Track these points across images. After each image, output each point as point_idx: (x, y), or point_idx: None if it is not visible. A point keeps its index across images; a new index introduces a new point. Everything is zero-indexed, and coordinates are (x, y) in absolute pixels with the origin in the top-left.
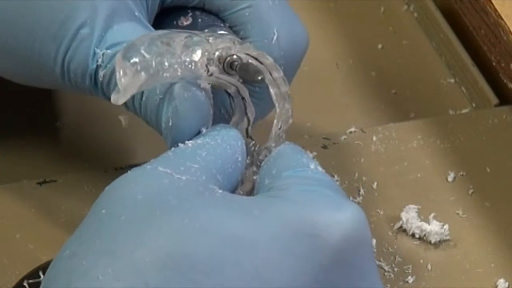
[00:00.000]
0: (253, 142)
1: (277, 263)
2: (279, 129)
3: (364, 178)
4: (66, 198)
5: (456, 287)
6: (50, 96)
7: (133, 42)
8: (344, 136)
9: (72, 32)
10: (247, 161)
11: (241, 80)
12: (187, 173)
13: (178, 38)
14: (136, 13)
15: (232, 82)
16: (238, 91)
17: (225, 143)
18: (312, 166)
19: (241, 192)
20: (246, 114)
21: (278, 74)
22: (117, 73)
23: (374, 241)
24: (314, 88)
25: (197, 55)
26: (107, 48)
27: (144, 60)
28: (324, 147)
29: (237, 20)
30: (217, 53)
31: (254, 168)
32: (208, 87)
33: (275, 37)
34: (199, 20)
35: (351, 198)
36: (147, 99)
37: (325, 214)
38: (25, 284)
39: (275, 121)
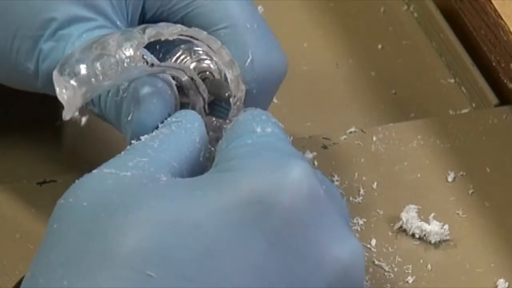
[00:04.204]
0: (214, 118)
1: (226, 237)
2: (234, 97)
3: (364, 178)
4: None
5: (456, 287)
6: (50, 96)
7: (68, 55)
8: (344, 136)
9: (49, 33)
10: (213, 137)
11: (208, 95)
12: (134, 168)
13: (112, 39)
14: (118, 23)
15: (176, 66)
16: (186, 73)
17: (179, 128)
18: (258, 130)
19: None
20: (199, 92)
21: (217, 45)
22: (57, 90)
23: (374, 241)
24: (314, 88)
25: (131, 50)
26: None
27: (80, 70)
28: (324, 147)
29: None
30: (192, 64)
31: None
32: (170, 78)
33: (249, 60)
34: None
35: (351, 198)
36: (111, 98)
37: (265, 178)
38: None
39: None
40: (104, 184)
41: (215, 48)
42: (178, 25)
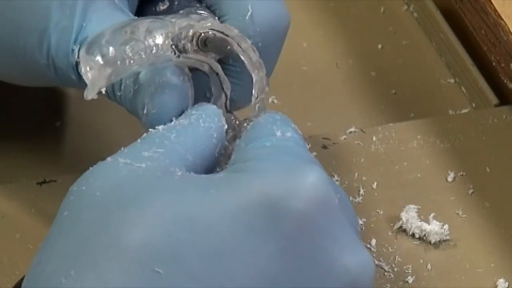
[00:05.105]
0: (234, 115)
1: (236, 239)
2: (256, 98)
3: (364, 178)
4: None
5: (456, 287)
6: (50, 96)
7: (97, 35)
8: (344, 136)
9: (53, 24)
10: (230, 135)
11: (213, 56)
12: (149, 159)
13: (141, 25)
14: (117, 2)
15: (202, 59)
16: (211, 67)
17: (198, 121)
18: (278, 134)
19: (227, 166)
20: (223, 89)
21: (246, 44)
22: (83, 69)
23: (374, 241)
24: (314, 88)
25: (160, 38)
26: (87, 39)
27: (108, 51)
28: (324, 147)
29: (212, 0)
30: (190, 31)
31: (238, 141)
32: (187, 70)
33: (249, 13)
34: (176, 2)
35: (351, 198)
36: (124, 89)
37: (280, 182)
38: None
39: (253, 91)
40: (118, 175)
41: (244, 47)
42: (210, 19)
